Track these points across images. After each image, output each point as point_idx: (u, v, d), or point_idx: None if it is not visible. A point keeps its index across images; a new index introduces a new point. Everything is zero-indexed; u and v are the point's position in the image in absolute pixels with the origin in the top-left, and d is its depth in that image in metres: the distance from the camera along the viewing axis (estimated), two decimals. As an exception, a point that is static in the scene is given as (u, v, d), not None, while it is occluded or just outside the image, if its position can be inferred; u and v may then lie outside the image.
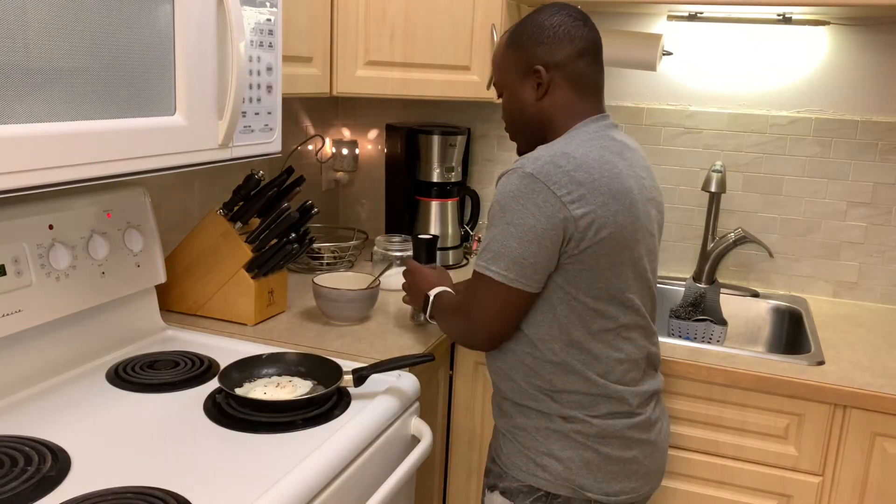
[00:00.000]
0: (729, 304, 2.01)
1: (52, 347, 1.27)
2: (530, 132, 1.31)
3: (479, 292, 1.22)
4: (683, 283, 2.04)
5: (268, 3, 1.27)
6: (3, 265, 1.16)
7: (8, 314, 1.16)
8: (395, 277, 1.87)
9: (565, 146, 1.19)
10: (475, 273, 1.22)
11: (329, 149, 2.36)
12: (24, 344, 1.21)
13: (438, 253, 1.85)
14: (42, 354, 1.25)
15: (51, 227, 1.25)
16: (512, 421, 1.29)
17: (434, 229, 2.12)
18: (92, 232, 1.32)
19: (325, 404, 1.21)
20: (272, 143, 1.33)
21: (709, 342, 1.95)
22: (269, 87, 1.30)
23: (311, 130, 2.27)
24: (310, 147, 2.26)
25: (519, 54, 1.27)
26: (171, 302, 1.61)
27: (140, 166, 1.05)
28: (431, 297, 1.40)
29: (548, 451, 1.25)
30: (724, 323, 1.97)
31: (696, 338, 1.97)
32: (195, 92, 1.13)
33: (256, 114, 1.27)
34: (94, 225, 1.33)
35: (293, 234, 1.51)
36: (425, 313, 1.41)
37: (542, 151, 1.20)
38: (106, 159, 0.99)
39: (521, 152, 1.33)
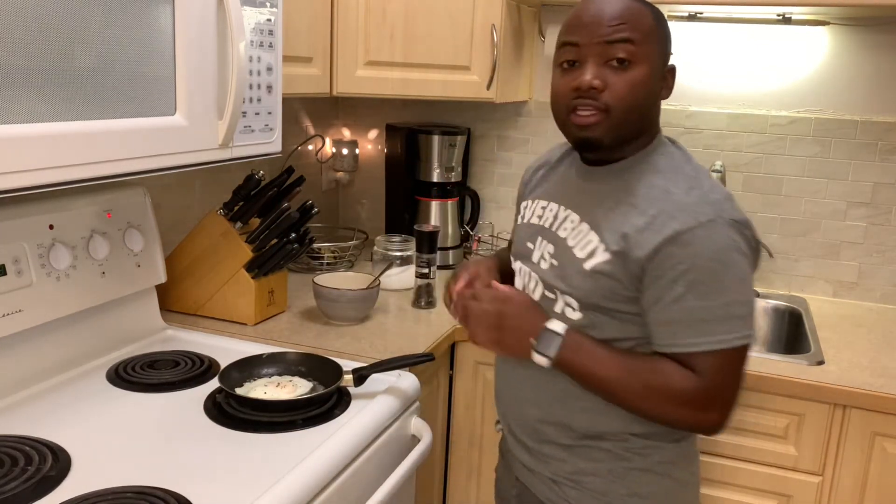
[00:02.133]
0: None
1: (53, 347, 1.27)
2: (636, 126, 1.09)
3: (737, 369, 1.04)
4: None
5: (268, 3, 1.27)
6: (3, 265, 1.16)
7: (8, 314, 1.16)
8: (395, 277, 1.87)
9: (706, 179, 1.08)
10: (724, 353, 1.02)
11: (329, 149, 2.36)
12: (25, 344, 1.21)
13: (439, 253, 1.85)
14: (42, 354, 1.25)
15: (51, 226, 1.25)
16: (572, 465, 1.16)
17: (434, 229, 2.12)
18: (92, 232, 1.32)
19: (325, 404, 1.21)
20: (272, 143, 1.33)
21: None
22: (270, 87, 1.30)
23: (312, 130, 2.27)
24: (310, 147, 2.26)
25: (666, 40, 1.11)
26: (172, 302, 1.61)
27: (140, 166, 1.05)
28: (563, 335, 1.09)
29: (630, 492, 1.14)
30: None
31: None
32: (195, 92, 1.13)
33: (257, 114, 1.27)
34: (94, 225, 1.33)
35: (293, 234, 1.51)
36: (548, 356, 1.09)
37: (708, 188, 1.06)
38: (106, 159, 0.99)
39: (599, 141, 1.08)
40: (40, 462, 1.00)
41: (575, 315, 1.11)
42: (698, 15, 1.98)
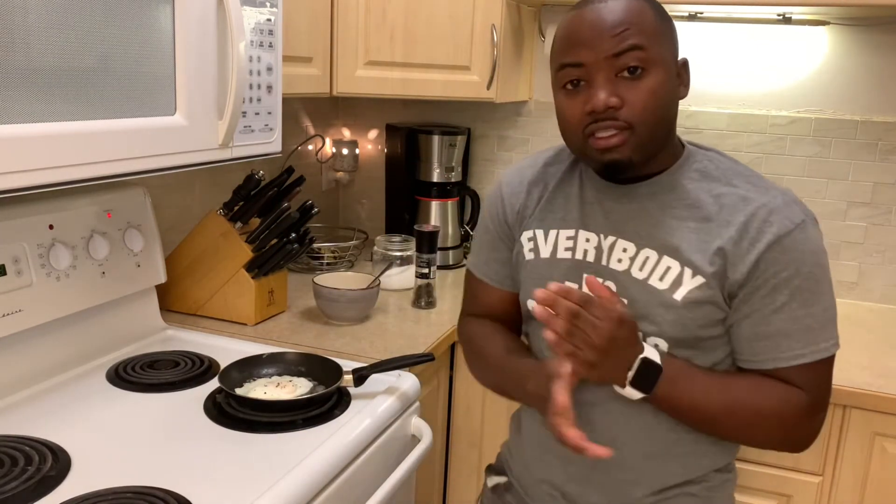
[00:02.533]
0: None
1: (53, 347, 1.27)
2: (663, 136, 0.99)
3: (831, 376, 1.02)
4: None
5: (268, 3, 1.27)
6: (3, 265, 1.16)
7: (8, 314, 1.16)
8: (395, 277, 1.87)
9: (763, 177, 1.04)
10: (825, 361, 0.99)
11: (329, 149, 2.36)
12: (25, 344, 1.21)
13: (439, 253, 1.85)
14: (42, 354, 1.25)
15: (51, 226, 1.25)
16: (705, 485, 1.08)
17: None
18: (92, 232, 1.32)
19: (325, 404, 1.21)
20: (272, 143, 1.33)
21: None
22: (270, 87, 1.30)
23: (311, 130, 2.27)
24: (310, 147, 2.26)
25: (673, 34, 1.00)
26: (172, 302, 1.61)
27: (140, 166, 1.05)
28: (662, 366, 0.98)
29: None
30: (724, 323, 1.97)
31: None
32: (195, 92, 1.13)
33: (257, 114, 1.27)
34: (94, 225, 1.33)
35: (293, 234, 1.51)
36: (645, 390, 0.98)
37: (776, 187, 1.01)
38: (106, 159, 0.99)
39: (628, 162, 0.97)
40: (40, 462, 1.00)
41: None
42: (698, 15, 1.98)
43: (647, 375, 0.96)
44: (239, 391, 1.21)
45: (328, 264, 2.02)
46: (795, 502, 1.52)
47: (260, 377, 1.28)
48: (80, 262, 1.29)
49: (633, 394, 0.97)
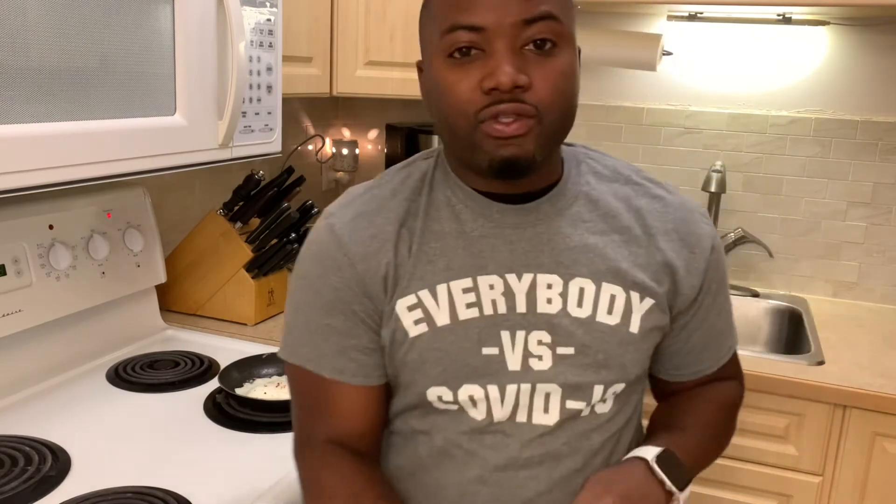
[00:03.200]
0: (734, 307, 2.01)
1: (53, 347, 1.27)
2: (566, 130, 0.82)
3: None
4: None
5: (268, 3, 1.27)
6: (3, 265, 1.16)
7: (8, 314, 1.16)
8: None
9: (635, 167, 0.94)
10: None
11: (329, 149, 2.36)
12: (25, 344, 1.21)
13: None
14: (42, 354, 1.25)
15: (51, 227, 1.25)
16: None
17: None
18: (92, 232, 1.32)
19: (326, 404, 1.20)
20: (272, 143, 1.33)
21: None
22: (270, 87, 1.30)
23: (311, 130, 2.27)
24: (310, 147, 2.26)
25: (574, 13, 0.83)
26: (171, 302, 1.61)
27: (140, 166, 1.05)
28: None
29: None
30: (724, 323, 1.97)
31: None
32: (195, 92, 1.13)
33: (256, 114, 1.27)
34: (94, 225, 1.33)
35: (293, 234, 1.51)
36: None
37: (658, 181, 0.92)
38: (106, 159, 0.99)
39: (531, 160, 0.78)
40: (40, 462, 1.00)
41: (605, 407, 0.85)
42: (698, 15, 1.98)
43: (679, 478, 0.84)
44: (239, 391, 1.21)
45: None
46: (795, 502, 1.52)
47: (260, 377, 1.28)
48: (80, 263, 1.29)
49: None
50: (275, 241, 1.53)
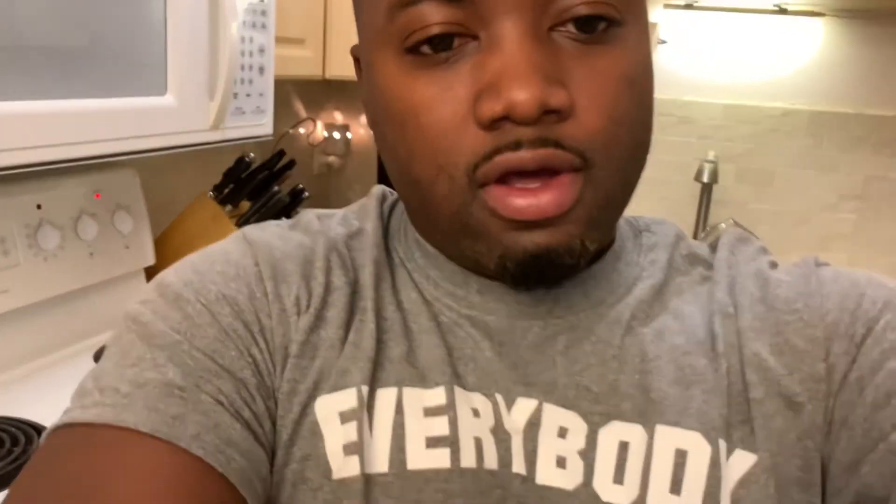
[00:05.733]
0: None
1: (40, 328, 1.25)
2: (639, 170, 0.47)
3: None
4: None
5: (261, -16, 1.26)
6: (-11, 245, 1.15)
7: (-6, 294, 1.15)
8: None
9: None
10: None
11: (321, 132, 2.35)
12: (11, 325, 1.20)
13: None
14: (29, 335, 1.23)
15: (39, 206, 1.24)
16: None
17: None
18: (81, 212, 1.31)
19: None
20: (264, 126, 1.32)
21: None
22: (262, 69, 1.29)
23: (303, 113, 2.25)
24: (301, 130, 2.25)
25: None
26: (160, 284, 1.60)
27: (130, 146, 1.04)
28: None
29: None
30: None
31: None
32: (187, 72, 1.11)
33: (248, 95, 1.26)
34: (82, 205, 1.31)
35: (283, 218, 1.50)
36: None
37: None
38: (95, 139, 0.98)
39: (581, 246, 0.44)
40: (26, 443, 0.99)
41: None
42: (694, 4, 1.97)
43: None
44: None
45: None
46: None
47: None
48: (68, 243, 1.28)
49: None
50: (265, 224, 1.52)
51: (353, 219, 0.55)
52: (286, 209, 1.53)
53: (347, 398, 0.45)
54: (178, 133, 1.11)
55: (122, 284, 1.43)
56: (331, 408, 0.45)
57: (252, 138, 1.30)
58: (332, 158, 2.38)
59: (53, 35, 0.90)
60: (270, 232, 0.53)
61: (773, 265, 0.52)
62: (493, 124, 0.40)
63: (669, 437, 0.45)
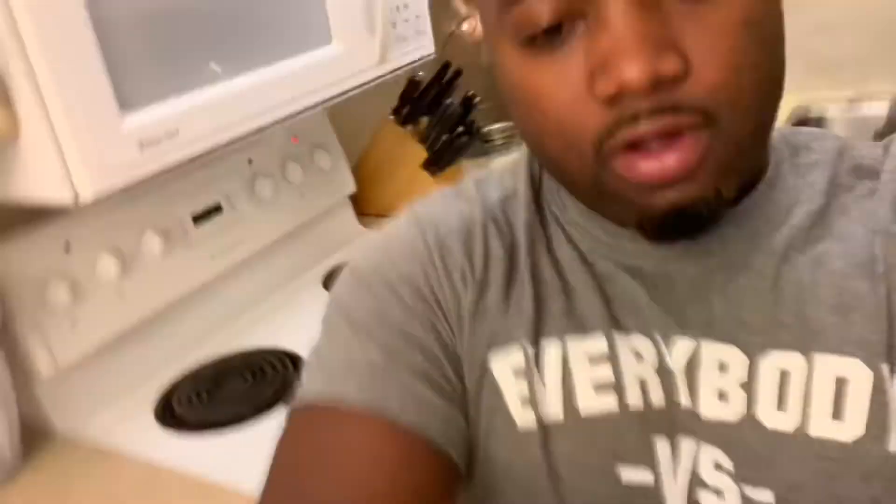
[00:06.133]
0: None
1: (273, 266, 1.44)
2: (774, 107, 0.47)
3: None
4: (888, 99, 1.85)
5: None
6: (219, 203, 1.32)
7: (234, 245, 1.33)
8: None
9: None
10: None
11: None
12: (249, 268, 1.39)
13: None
14: (265, 274, 1.42)
15: (250, 161, 1.39)
16: None
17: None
18: (285, 159, 1.45)
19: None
20: (426, 46, 1.36)
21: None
22: (414, -10, 1.32)
23: (463, 10, 2.25)
24: (465, 27, 2.25)
25: None
26: (364, 206, 1.75)
27: (316, 98, 1.13)
28: None
29: None
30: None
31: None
32: (345, 17, 1.17)
33: (406, 21, 1.30)
34: (285, 152, 1.46)
35: (461, 128, 1.56)
36: None
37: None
38: (284, 100, 1.08)
39: (717, 198, 0.45)
40: (283, 368, 1.17)
41: None
42: None
43: None
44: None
45: (502, 145, 2.06)
46: None
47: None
48: (281, 188, 1.43)
49: None
50: (445, 136, 1.59)
51: (508, 180, 0.60)
52: (462, 119, 1.58)
53: (516, 356, 0.52)
54: (351, 76, 1.19)
55: (332, 215, 1.59)
56: (504, 365, 0.52)
57: (418, 61, 1.35)
58: (499, 50, 2.36)
59: (239, 8, 1.00)
60: (435, 205, 0.60)
61: None
62: (611, 101, 0.41)
63: (829, 365, 0.47)
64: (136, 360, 1.20)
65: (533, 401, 0.51)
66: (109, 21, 0.84)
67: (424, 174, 1.63)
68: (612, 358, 0.51)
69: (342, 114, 1.81)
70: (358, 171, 1.71)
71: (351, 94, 1.22)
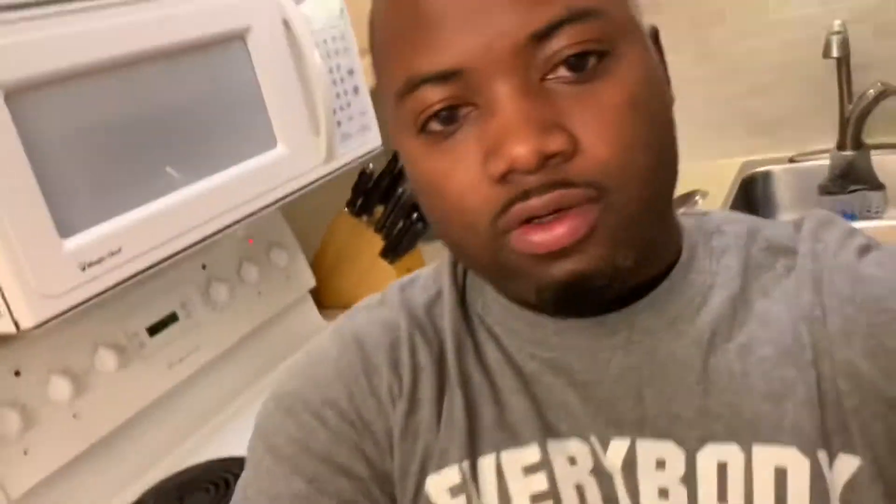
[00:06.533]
0: (884, 166, 1.87)
1: (230, 372, 1.41)
2: (668, 181, 0.49)
3: None
4: (826, 154, 1.91)
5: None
6: (175, 312, 1.31)
7: (191, 353, 1.31)
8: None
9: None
10: None
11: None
12: (207, 377, 1.36)
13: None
14: (223, 381, 1.39)
15: (204, 266, 1.38)
16: None
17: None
18: (240, 260, 1.45)
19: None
20: (372, 140, 1.38)
21: (868, 213, 1.83)
22: (356, 88, 1.35)
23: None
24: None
25: None
26: (326, 300, 1.74)
27: (264, 202, 1.14)
28: None
29: None
30: (881, 188, 1.84)
31: (854, 212, 1.85)
32: (288, 118, 1.19)
33: (350, 119, 1.33)
34: (240, 253, 1.45)
35: (416, 214, 1.58)
36: None
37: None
38: (235, 205, 1.08)
39: (612, 274, 0.46)
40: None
41: None
42: None
43: None
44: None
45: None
46: None
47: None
48: (237, 291, 1.42)
49: None
50: (401, 224, 1.60)
51: (432, 282, 0.59)
52: (416, 205, 1.59)
53: (452, 475, 0.51)
54: (299, 176, 1.20)
55: (293, 312, 1.57)
56: (440, 486, 0.51)
57: (365, 156, 1.37)
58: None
59: (172, 131, 1.01)
60: (360, 318, 0.59)
61: (864, 250, 0.50)
62: (503, 179, 0.43)
63: (767, 455, 0.46)
64: (94, 482, 1.15)
65: None
66: (43, 145, 0.84)
67: (383, 262, 1.63)
68: (546, 466, 0.50)
69: (297, 210, 1.82)
70: (316, 265, 1.71)
71: (300, 193, 1.23)
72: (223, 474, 1.16)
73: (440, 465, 0.51)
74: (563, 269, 0.44)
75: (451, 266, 0.59)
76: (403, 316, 0.57)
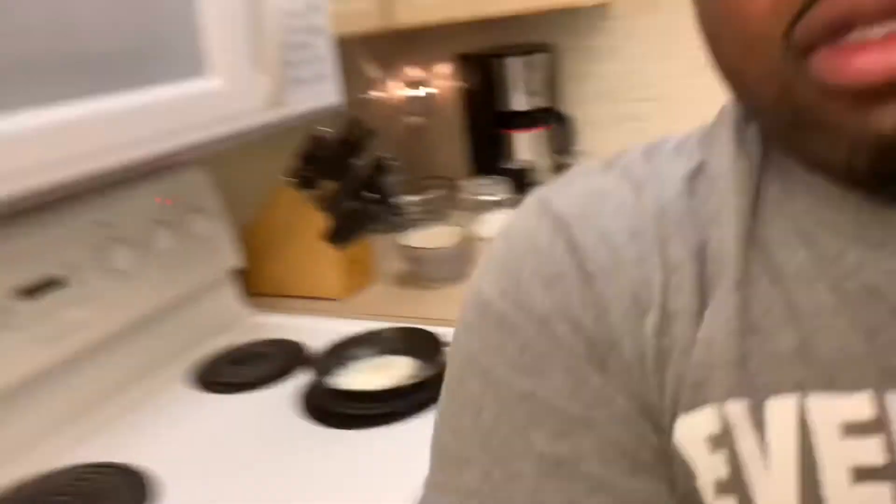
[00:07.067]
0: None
1: (127, 357, 1.15)
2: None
3: None
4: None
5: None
6: (58, 275, 1.04)
7: (75, 328, 1.05)
8: (490, 224, 1.69)
9: None
10: None
11: (398, 93, 2.18)
12: (95, 358, 1.10)
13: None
14: (115, 366, 1.13)
15: (106, 225, 1.13)
16: None
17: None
18: (153, 223, 1.19)
19: (437, 385, 1.05)
20: (328, 93, 1.15)
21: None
22: (317, 29, 1.12)
23: (376, 75, 2.09)
24: (376, 93, 2.08)
25: None
26: (253, 285, 1.49)
27: (185, 139, 0.90)
28: None
29: None
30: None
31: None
32: (222, 44, 0.95)
33: (304, 62, 1.09)
34: (153, 215, 1.20)
35: (371, 194, 1.35)
36: None
37: None
38: (143, 138, 0.84)
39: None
40: (132, 489, 0.89)
41: None
42: None
43: None
44: (336, 380, 1.07)
45: (414, 220, 1.86)
46: None
47: (357, 359, 1.14)
48: (144, 259, 1.17)
49: None
50: (353, 204, 1.37)
51: (696, 148, 0.41)
52: (372, 183, 1.37)
53: (709, 419, 0.35)
54: (231, 118, 0.96)
55: (208, 293, 1.32)
56: (693, 432, 0.35)
57: (318, 110, 1.13)
58: (413, 119, 2.21)
59: (67, 27, 0.76)
60: (578, 191, 0.41)
61: None
62: None
63: None
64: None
65: (736, 489, 0.33)
66: None
67: (326, 248, 1.40)
68: (882, 428, 0.32)
69: (230, 172, 1.56)
70: (246, 243, 1.46)
71: (232, 142, 0.99)
72: (95, 483, 0.91)
73: (693, 405, 0.35)
74: (892, 116, 0.28)
75: (733, 125, 0.40)
76: (648, 193, 0.40)
